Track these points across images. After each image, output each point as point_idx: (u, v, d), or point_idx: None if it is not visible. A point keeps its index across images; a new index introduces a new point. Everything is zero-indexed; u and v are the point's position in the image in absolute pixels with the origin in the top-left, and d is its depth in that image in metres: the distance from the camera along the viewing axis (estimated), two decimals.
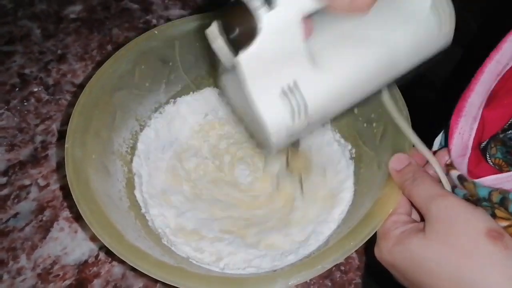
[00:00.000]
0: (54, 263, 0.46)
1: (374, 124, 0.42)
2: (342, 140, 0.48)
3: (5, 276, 0.45)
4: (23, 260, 0.46)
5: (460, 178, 0.35)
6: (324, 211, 0.44)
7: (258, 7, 0.26)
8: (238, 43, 0.27)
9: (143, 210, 0.44)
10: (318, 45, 0.30)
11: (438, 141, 0.42)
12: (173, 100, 0.51)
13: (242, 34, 0.26)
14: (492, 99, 0.35)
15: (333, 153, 0.48)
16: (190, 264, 0.40)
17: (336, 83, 0.31)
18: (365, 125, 0.44)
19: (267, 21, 0.26)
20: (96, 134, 0.41)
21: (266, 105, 0.29)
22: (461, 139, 0.34)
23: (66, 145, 0.38)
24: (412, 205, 0.34)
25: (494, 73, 0.35)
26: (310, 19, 0.29)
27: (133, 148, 0.48)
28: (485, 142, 0.36)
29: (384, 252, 0.32)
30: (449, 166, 0.36)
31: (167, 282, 0.32)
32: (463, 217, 0.29)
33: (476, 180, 0.32)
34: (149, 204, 0.45)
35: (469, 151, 0.34)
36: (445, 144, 0.40)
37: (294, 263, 0.38)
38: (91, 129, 0.40)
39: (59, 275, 0.45)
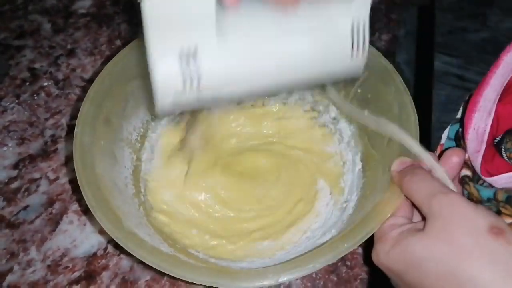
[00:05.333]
0: (64, 255, 0.46)
1: None
2: (352, 142, 0.48)
3: (16, 268, 0.46)
4: (33, 252, 0.47)
5: (462, 180, 0.34)
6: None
7: None
8: None
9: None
10: (235, 19, 0.30)
11: (446, 134, 0.42)
12: None
13: None
14: (506, 93, 0.35)
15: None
16: (188, 254, 0.40)
17: (236, 62, 0.30)
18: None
19: None
20: (106, 121, 0.41)
21: (161, 61, 0.28)
22: (476, 134, 0.34)
23: (75, 130, 0.38)
24: (413, 205, 0.33)
25: (509, 66, 0.34)
26: None
27: (144, 136, 0.48)
28: (499, 137, 0.35)
29: (381, 256, 0.31)
30: (464, 164, 0.35)
31: (159, 269, 0.32)
32: (465, 214, 0.28)
33: (489, 179, 0.32)
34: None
35: (484, 146, 0.33)
36: (453, 137, 0.40)
37: (287, 260, 0.38)
38: (101, 115, 0.41)
39: (68, 267, 0.46)
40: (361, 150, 0.46)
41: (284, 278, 0.31)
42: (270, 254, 0.42)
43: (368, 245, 0.33)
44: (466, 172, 0.35)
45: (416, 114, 0.38)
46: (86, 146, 0.38)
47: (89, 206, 0.35)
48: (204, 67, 0.29)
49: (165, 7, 0.27)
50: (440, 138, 0.43)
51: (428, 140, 0.68)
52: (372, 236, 0.33)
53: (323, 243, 0.34)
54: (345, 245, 0.32)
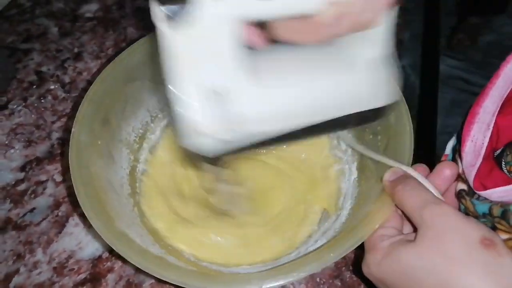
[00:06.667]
0: (69, 257, 0.47)
1: (379, 137, 0.42)
2: (349, 151, 0.48)
3: (22, 269, 0.46)
4: (39, 254, 0.47)
5: (459, 194, 0.34)
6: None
7: None
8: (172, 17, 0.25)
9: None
10: (267, 60, 0.30)
11: (450, 145, 0.41)
12: None
13: (177, 11, 0.25)
14: (506, 105, 0.34)
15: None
16: (179, 256, 0.41)
17: (269, 102, 0.30)
18: (371, 136, 0.43)
19: (204, 10, 0.25)
20: (104, 121, 0.42)
21: (189, 101, 0.28)
22: (473, 146, 0.33)
23: (73, 129, 0.39)
24: (404, 215, 0.33)
25: (509, 77, 0.34)
26: (261, 30, 0.28)
27: (142, 137, 0.48)
28: (499, 150, 0.35)
29: (372, 267, 0.31)
30: (458, 178, 0.35)
31: (145, 270, 0.32)
32: (457, 225, 0.28)
33: (483, 192, 0.32)
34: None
35: (480, 160, 0.33)
36: (454, 149, 0.40)
37: (272, 267, 0.38)
38: (100, 116, 0.41)
39: (73, 269, 0.46)
40: (358, 159, 0.46)
41: (267, 285, 0.31)
42: (261, 261, 0.42)
43: (356, 254, 0.33)
44: (462, 186, 0.34)
45: (411, 124, 0.38)
46: (83, 145, 0.38)
47: (80, 204, 0.35)
48: (235, 108, 0.28)
49: (194, 46, 0.27)
50: (444, 142, 0.43)
51: (432, 142, 0.68)
52: (362, 246, 0.33)
53: (311, 252, 0.34)
54: (331, 254, 0.32)
